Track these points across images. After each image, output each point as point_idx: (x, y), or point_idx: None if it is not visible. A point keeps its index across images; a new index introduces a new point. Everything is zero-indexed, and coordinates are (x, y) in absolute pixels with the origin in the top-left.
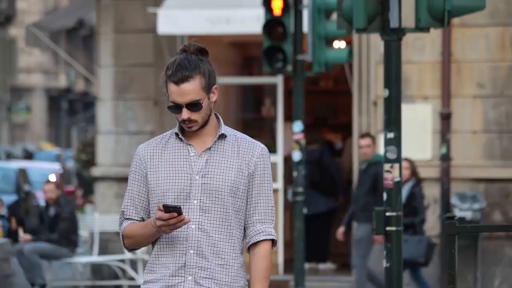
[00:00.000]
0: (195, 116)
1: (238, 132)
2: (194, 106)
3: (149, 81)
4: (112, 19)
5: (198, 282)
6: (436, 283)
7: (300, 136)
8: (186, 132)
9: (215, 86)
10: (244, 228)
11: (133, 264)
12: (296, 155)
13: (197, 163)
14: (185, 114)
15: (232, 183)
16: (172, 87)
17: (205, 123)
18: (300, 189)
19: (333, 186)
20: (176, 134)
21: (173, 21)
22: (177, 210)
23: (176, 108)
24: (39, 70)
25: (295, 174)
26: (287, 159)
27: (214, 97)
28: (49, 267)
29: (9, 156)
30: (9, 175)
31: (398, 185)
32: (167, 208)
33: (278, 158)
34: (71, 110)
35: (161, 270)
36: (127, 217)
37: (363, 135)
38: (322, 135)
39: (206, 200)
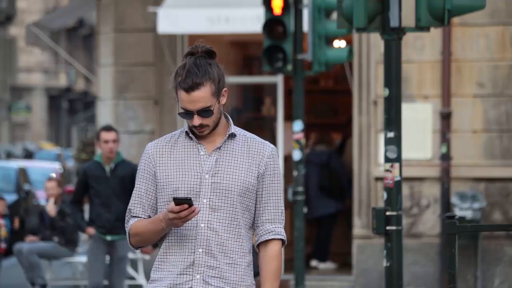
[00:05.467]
0: (206, 121)
1: (247, 132)
2: (205, 112)
3: (149, 81)
4: (112, 18)
5: (207, 281)
6: (436, 283)
7: (300, 136)
8: None
9: (224, 89)
10: (254, 227)
11: (133, 263)
12: (296, 155)
13: (207, 162)
14: (197, 120)
15: (241, 183)
16: (182, 94)
17: (215, 126)
18: (300, 189)
19: (341, 189)
20: (186, 133)
21: (173, 21)
22: (188, 201)
23: (187, 114)
24: (39, 70)
25: (295, 173)
26: (287, 159)
27: (224, 99)
28: (49, 266)
29: (9, 156)
30: (9, 175)
31: (399, 184)
32: (177, 201)
33: (279, 158)
34: (71, 109)
35: (169, 268)
36: (134, 215)
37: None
38: (329, 137)
39: (216, 199)
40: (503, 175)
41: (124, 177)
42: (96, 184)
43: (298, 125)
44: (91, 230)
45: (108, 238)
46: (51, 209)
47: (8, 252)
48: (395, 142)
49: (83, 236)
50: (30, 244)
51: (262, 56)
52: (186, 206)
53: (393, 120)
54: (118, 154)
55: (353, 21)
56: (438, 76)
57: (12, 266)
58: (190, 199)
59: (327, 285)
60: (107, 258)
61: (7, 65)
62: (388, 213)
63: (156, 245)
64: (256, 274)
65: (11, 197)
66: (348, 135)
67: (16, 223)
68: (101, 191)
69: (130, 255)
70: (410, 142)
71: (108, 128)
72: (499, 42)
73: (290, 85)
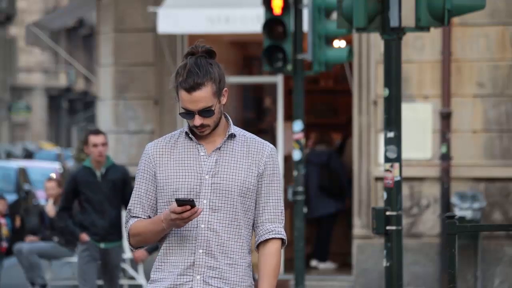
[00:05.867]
0: (207, 121)
1: (247, 132)
2: (206, 112)
3: (149, 81)
4: (112, 18)
5: (207, 282)
6: (436, 283)
7: (300, 136)
8: None
9: (225, 89)
10: (254, 227)
11: (133, 263)
12: (296, 154)
13: (206, 162)
14: (198, 120)
15: (241, 183)
16: (183, 94)
17: (216, 126)
18: (300, 189)
19: (341, 189)
20: (186, 133)
21: (173, 20)
22: (190, 203)
23: (188, 114)
24: (39, 70)
25: (295, 173)
26: (287, 159)
27: (224, 99)
28: (49, 266)
29: (9, 156)
30: (9, 175)
31: (398, 184)
32: (180, 202)
33: (278, 158)
34: (71, 109)
35: (169, 269)
36: (134, 215)
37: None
38: (329, 137)
39: (216, 199)
40: (503, 175)
41: (116, 182)
42: (87, 190)
43: (298, 125)
44: (86, 237)
45: (102, 245)
46: (50, 209)
47: (8, 252)
48: (395, 142)
49: None
50: (30, 244)
51: (262, 56)
52: (188, 207)
53: (393, 120)
54: (107, 158)
55: (353, 21)
56: (438, 76)
57: (12, 266)
58: (193, 200)
59: (327, 285)
60: (99, 264)
61: (7, 65)
62: (388, 213)
63: (152, 250)
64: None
65: (11, 197)
66: (348, 135)
67: (18, 222)
68: (93, 197)
69: (130, 255)
70: (410, 142)
71: (96, 132)
72: (499, 42)
73: (290, 85)
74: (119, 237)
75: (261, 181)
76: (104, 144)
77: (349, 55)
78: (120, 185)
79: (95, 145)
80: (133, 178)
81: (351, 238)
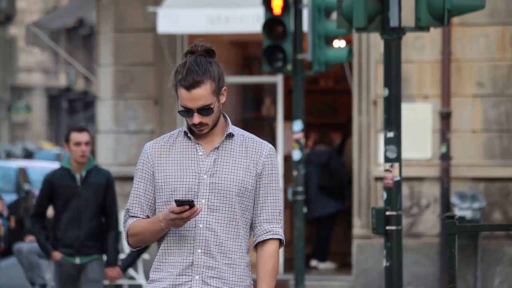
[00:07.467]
0: (206, 119)
1: (246, 132)
2: (205, 110)
3: (149, 80)
4: (112, 18)
5: (206, 282)
6: (436, 283)
7: (300, 136)
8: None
9: (224, 88)
10: (252, 227)
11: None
12: (296, 154)
13: (205, 162)
14: (197, 118)
15: (240, 183)
16: (182, 92)
17: (214, 125)
18: (300, 189)
19: (341, 189)
20: (185, 132)
21: (173, 20)
22: (190, 203)
23: (187, 112)
24: (39, 69)
25: (295, 173)
26: (287, 159)
27: (223, 98)
28: (49, 266)
29: (9, 155)
30: (9, 175)
31: (398, 184)
32: (179, 203)
33: (278, 158)
34: (71, 109)
35: (168, 269)
36: (132, 215)
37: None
38: (330, 137)
39: (214, 199)
40: (503, 175)
41: (98, 187)
42: (64, 195)
43: (298, 125)
44: (58, 255)
45: (77, 261)
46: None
47: (7, 252)
48: (395, 142)
49: None
50: (30, 244)
51: (262, 56)
52: (187, 207)
53: (393, 120)
54: (90, 159)
55: (353, 21)
56: (438, 76)
57: (12, 266)
58: (192, 200)
59: (327, 285)
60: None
61: (7, 65)
62: (388, 213)
63: (126, 267)
64: None
65: (11, 197)
66: (347, 135)
67: (12, 223)
68: (70, 203)
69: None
70: (410, 142)
71: (80, 129)
72: (499, 42)
73: (290, 85)
74: (98, 251)
75: (259, 181)
76: (88, 143)
77: (349, 55)
78: (102, 191)
79: (77, 144)
80: (132, 178)
81: (351, 238)
